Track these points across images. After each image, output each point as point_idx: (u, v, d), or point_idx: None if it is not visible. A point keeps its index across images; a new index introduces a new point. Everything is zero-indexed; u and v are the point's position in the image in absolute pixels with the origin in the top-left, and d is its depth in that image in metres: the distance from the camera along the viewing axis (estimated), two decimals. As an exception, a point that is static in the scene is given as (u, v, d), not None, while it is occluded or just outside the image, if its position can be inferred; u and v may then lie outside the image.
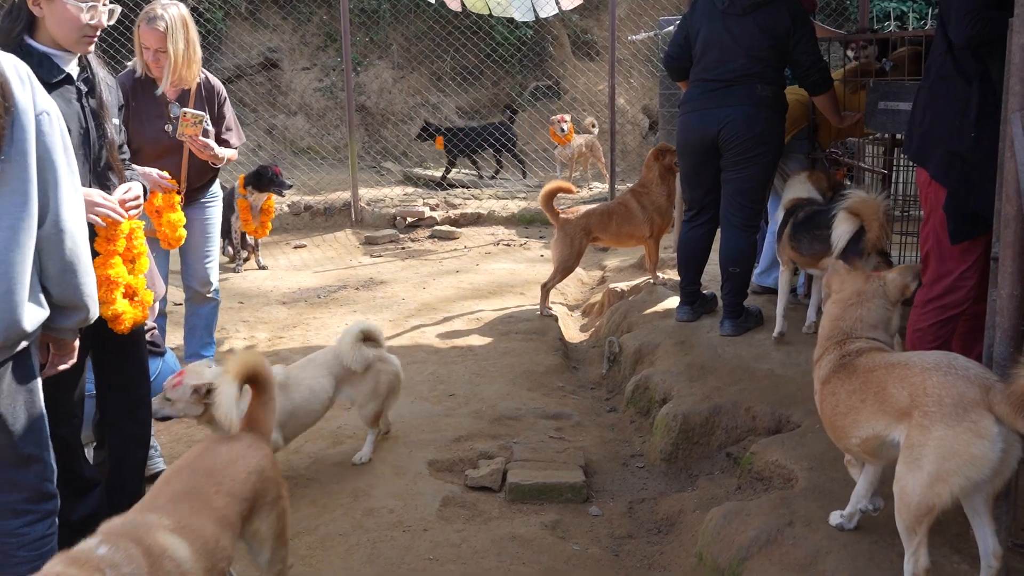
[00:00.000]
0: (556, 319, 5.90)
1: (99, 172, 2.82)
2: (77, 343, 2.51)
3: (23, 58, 2.41)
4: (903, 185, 5.44)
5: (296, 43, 13.38)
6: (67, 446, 2.82)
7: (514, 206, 9.38)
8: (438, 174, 10.78)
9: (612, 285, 6.23)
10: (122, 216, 2.76)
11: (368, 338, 3.83)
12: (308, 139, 12.57)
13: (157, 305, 4.08)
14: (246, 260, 7.50)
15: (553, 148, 10.67)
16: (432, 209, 9.26)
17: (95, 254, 2.65)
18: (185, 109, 4.35)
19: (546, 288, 5.95)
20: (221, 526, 2.30)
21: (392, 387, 3.96)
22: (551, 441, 4.10)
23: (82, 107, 2.74)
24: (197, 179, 4.58)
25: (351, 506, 3.51)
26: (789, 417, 3.80)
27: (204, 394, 3.24)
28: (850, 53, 5.44)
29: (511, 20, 9.20)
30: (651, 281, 5.93)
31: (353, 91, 9.59)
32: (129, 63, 4.44)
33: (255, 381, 2.79)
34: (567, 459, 3.89)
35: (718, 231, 4.79)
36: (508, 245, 8.30)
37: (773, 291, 5.00)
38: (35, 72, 2.41)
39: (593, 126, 10.50)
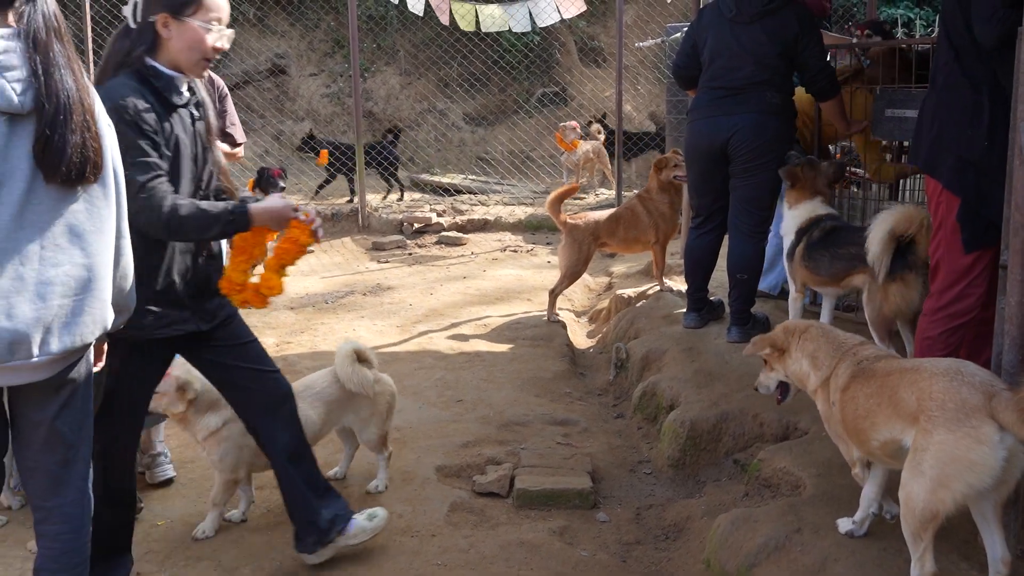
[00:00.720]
0: (563, 325, 5.91)
1: (205, 196, 2.84)
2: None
3: (149, 78, 2.59)
4: (910, 193, 5.45)
5: (304, 49, 13.44)
6: None
7: (521, 212, 9.40)
8: (446, 180, 10.80)
9: (619, 291, 6.25)
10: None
11: (361, 358, 3.64)
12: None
13: None
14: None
15: (560, 154, 10.69)
16: (439, 215, 9.28)
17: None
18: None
19: (554, 294, 5.96)
20: None
21: (390, 407, 3.77)
22: (558, 447, 4.11)
23: (195, 130, 2.77)
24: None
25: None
26: (796, 424, 3.80)
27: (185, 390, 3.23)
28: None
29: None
30: (658, 287, 5.94)
31: (361, 97, 9.63)
32: None
33: None
34: (574, 465, 3.89)
35: (725, 238, 4.80)
36: (515, 251, 8.32)
37: (767, 295, 5.02)
38: (160, 93, 2.61)
39: (599, 132, 10.52)
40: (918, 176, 4.96)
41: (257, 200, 2.88)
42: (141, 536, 3.36)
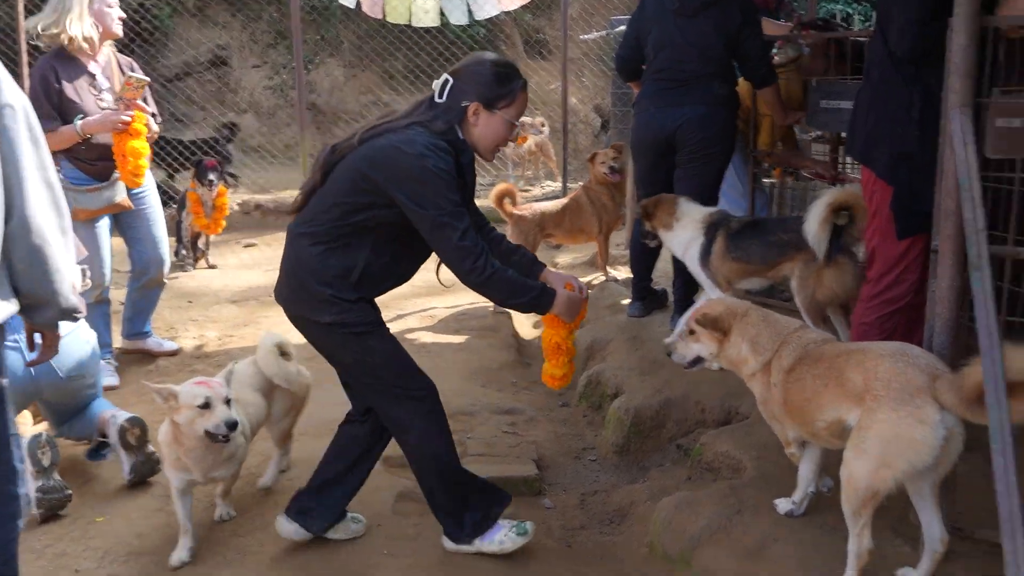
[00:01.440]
0: (509, 316, 5.92)
1: None
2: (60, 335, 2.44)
3: (453, 146, 2.80)
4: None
5: (245, 40, 13.26)
6: None
7: (467, 204, 9.41)
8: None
9: (564, 282, 6.27)
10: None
11: (282, 351, 3.59)
12: (258, 137, 12.45)
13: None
14: (197, 260, 7.41)
15: (505, 146, 10.68)
16: (384, 207, 9.23)
17: None
18: (131, 73, 4.52)
19: (499, 285, 5.96)
20: None
21: (304, 402, 3.76)
22: (504, 436, 4.13)
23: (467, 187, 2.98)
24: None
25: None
26: (737, 408, 3.87)
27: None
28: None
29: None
30: (603, 278, 5.99)
31: (304, 89, 9.53)
32: (41, 43, 4.52)
33: None
34: (520, 453, 3.92)
35: None
36: (461, 243, 8.31)
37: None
38: (458, 159, 2.81)
39: (543, 125, 10.55)
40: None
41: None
42: (79, 533, 3.31)
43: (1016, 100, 2.62)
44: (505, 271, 2.83)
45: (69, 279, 2.29)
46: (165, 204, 8.46)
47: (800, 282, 3.92)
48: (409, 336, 5.54)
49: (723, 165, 4.59)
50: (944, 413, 2.31)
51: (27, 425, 3.82)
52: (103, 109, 4.49)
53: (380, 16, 8.38)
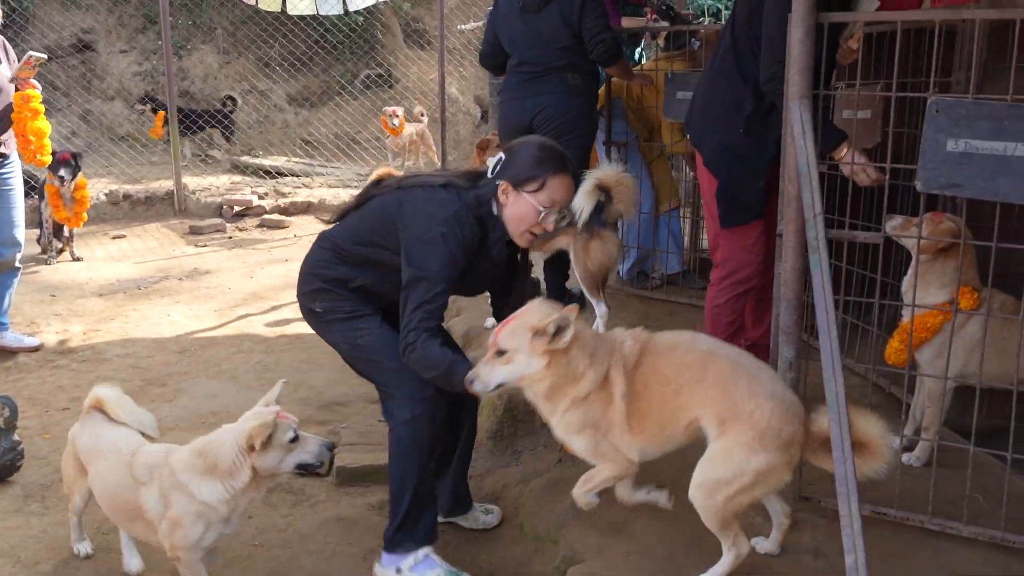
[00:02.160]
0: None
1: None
2: None
3: (484, 220, 2.83)
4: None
5: (112, 25, 12.76)
6: None
7: (346, 194, 9.31)
8: (268, 162, 10.55)
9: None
10: None
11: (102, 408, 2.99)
12: (127, 125, 12.02)
13: None
14: (60, 252, 7.11)
15: (385, 137, 10.64)
16: (261, 198, 9.07)
17: None
18: (32, 52, 4.49)
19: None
20: None
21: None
22: (379, 425, 4.12)
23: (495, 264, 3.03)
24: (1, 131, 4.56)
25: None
26: (607, 392, 3.98)
27: None
28: (660, 43, 5.74)
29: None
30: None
31: (175, 76, 9.25)
32: None
33: None
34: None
35: None
36: (339, 233, 8.24)
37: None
38: (485, 235, 2.84)
39: (423, 115, 10.53)
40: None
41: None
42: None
43: (853, 93, 2.78)
44: (428, 344, 2.70)
45: None
46: (27, 194, 8.14)
47: (575, 255, 4.27)
48: (283, 328, 5.47)
49: (585, 150, 4.79)
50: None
51: None
52: None
53: (253, 2, 8.23)
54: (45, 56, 4.55)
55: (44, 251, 7.02)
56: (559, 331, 2.39)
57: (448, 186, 2.86)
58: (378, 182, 3.03)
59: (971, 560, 2.57)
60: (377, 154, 11.02)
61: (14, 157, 4.72)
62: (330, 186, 9.80)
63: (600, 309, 4.45)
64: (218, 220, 8.52)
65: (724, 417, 2.36)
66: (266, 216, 8.65)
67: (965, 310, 2.87)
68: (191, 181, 9.47)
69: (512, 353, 2.45)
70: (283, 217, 8.63)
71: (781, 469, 2.34)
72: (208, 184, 9.56)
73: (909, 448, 3.14)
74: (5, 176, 4.68)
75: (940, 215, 2.98)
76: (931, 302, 2.94)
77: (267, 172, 10.25)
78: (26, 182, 7.88)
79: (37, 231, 7.08)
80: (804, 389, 2.80)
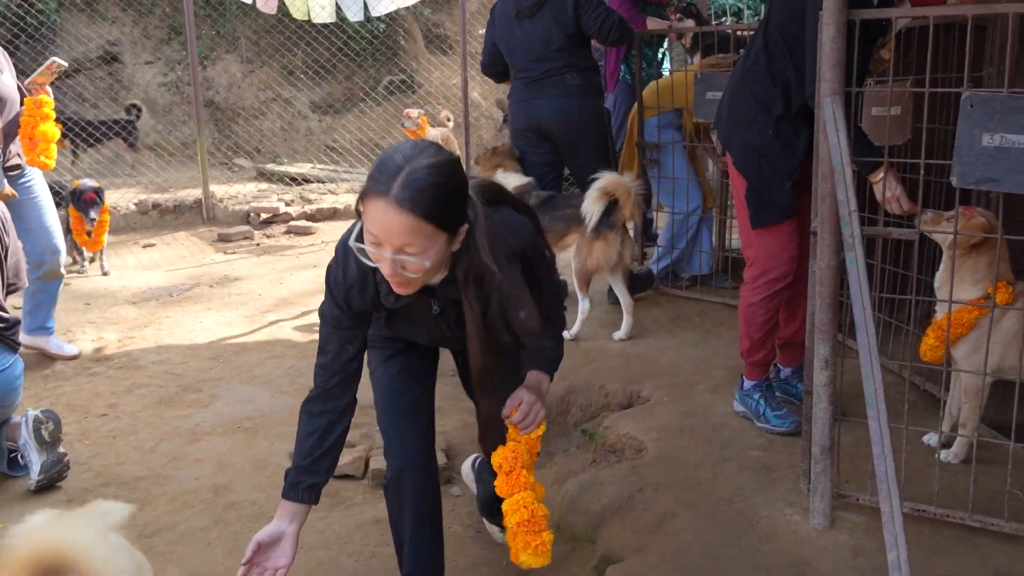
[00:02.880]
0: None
1: None
2: None
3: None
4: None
5: (138, 36, 12.89)
6: None
7: (371, 200, 9.37)
8: (293, 169, 10.62)
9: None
10: None
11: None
12: (154, 135, 12.14)
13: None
14: (91, 261, 7.20)
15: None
16: (287, 205, 9.13)
17: None
18: (55, 58, 4.57)
19: (405, 279, 5.99)
20: None
21: None
22: (413, 427, 4.15)
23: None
24: (9, 141, 4.62)
25: (212, 501, 3.48)
26: (640, 392, 3.99)
27: None
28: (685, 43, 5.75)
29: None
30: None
31: (201, 86, 9.35)
32: None
33: None
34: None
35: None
36: (366, 239, 8.28)
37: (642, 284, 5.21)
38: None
39: (448, 120, 10.57)
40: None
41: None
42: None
43: (886, 90, 2.78)
44: (302, 417, 2.38)
45: None
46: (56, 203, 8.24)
47: (576, 251, 4.56)
48: (314, 333, 5.51)
49: (601, 150, 4.87)
50: None
51: None
52: None
53: (273, 11, 8.31)
54: (66, 64, 4.62)
55: (74, 261, 7.10)
56: None
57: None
58: None
59: (1014, 556, 2.56)
60: (401, 159, 11.05)
61: (31, 169, 4.77)
62: (355, 192, 9.84)
63: (584, 304, 4.57)
64: (246, 227, 8.59)
65: None
66: (293, 223, 8.71)
67: (1001, 305, 2.86)
68: (218, 189, 9.56)
69: None
70: (310, 223, 8.70)
71: None
72: (235, 192, 9.65)
73: (947, 445, 3.13)
74: (27, 185, 4.73)
75: (971, 210, 2.97)
76: (964, 298, 2.93)
77: (292, 179, 10.33)
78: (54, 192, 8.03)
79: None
80: (840, 387, 2.81)
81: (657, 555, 2.73)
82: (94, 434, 4.11)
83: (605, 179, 4.38)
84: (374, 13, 8.60)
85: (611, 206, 4.42)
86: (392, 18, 12.13)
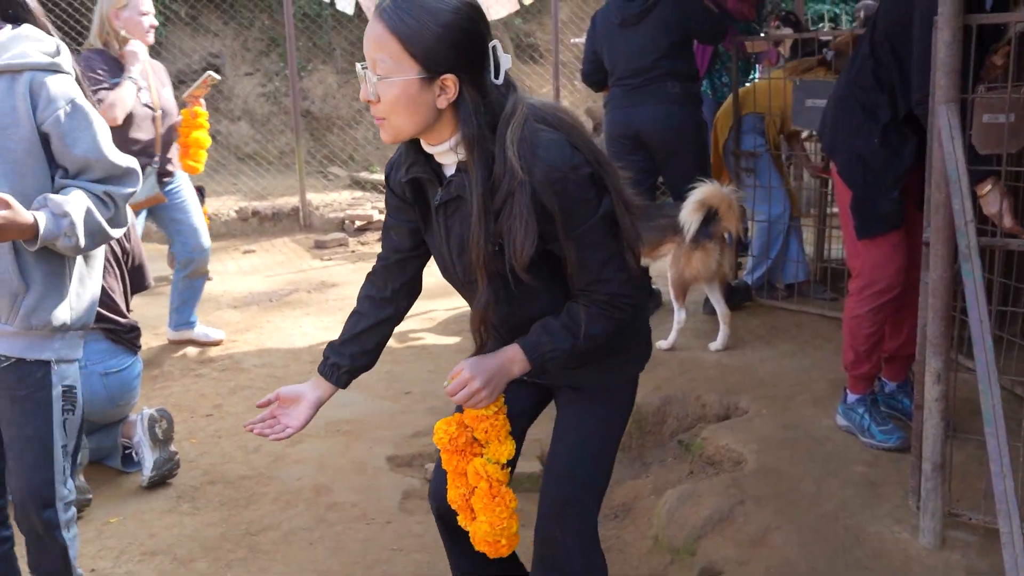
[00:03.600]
0: (508, 317, 5.99)
1: None
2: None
3: None
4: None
5: (238, 48, 13.30)
6: None
7: (462, 208, 9.46)
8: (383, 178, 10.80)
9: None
10: None
11: None
12: (253, 144, 12.50)
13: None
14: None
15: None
16: (380, 212, 9.29)
17: None
18: (210, 72, 5.00)
19: (498, 287, 6.03)
20: None
21: None
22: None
23: None
24: (167, 150, 4.90)
25: (314, 501, 3.57)
26: (737, 404, 3.94)
27: None
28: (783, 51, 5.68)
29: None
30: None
31: (299, 96, 9.59)
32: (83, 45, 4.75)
33: None
34: (524, 451, 3.97)
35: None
36: (458, 246, 8.36)
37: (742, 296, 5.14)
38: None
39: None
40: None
41: None
42: (94, 534, 3.36)
43: (1000, 96, 2.69)
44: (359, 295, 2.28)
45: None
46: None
47: (673, 260, 4.52)
48: (410, 338, 5.60)
49: (698, 159, 4.85)
50: None
51: None
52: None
53: (351, 12, 8.44)
54: (219, 77, 4.90)
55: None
56: None
57: None
58: None
59: None
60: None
61: (179, 173, 5.07)
62: (446, 200, 9.96)
63: (680, 315, 4.53)
64: (341, 234, 8.77)
65: None
66: (386, 230, 8.85)
67: None
68: (314, 197, 9.79)
69: None
70: (403, 231, 8.82)
71: None
72: (331, 200, 9.86)
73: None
74: (175, 189, 5.01)
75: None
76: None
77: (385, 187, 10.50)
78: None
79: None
80: (953, 402, 2.73)
81: (761, 569, 2.70)
82: (200, 433, 4.25)
83: (705, 190, 4.34)
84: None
85: (709, 216, 4.38)
86: (484, 28, 12.23)
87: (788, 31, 5.68)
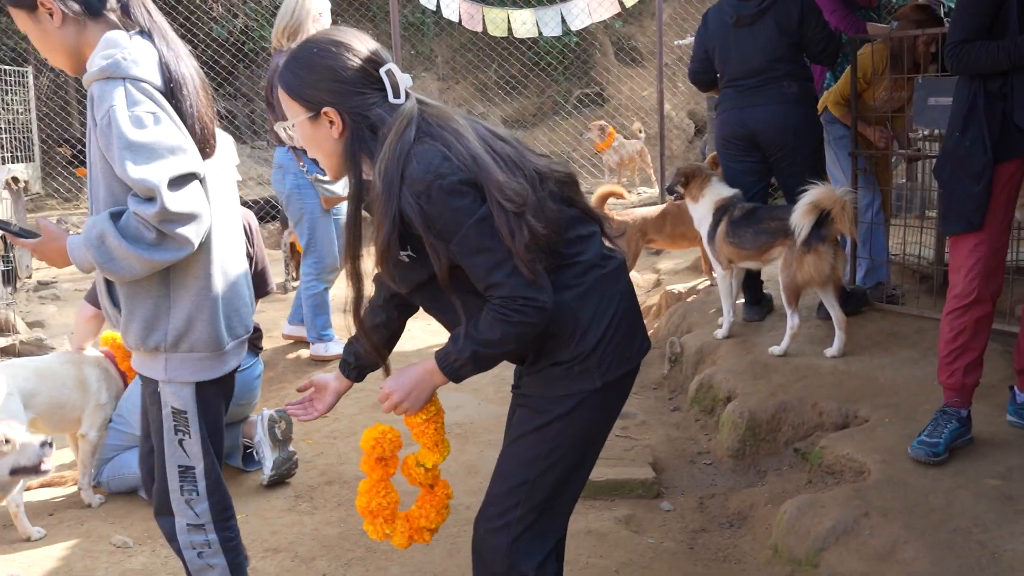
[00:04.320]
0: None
1: None
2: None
3: None
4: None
5: (343, 57, 13.60)
6: None
7: (564, 212, 9.45)
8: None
9: (669, 287, 6.28)
10: None
11: None
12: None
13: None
14: (296, 279, 7.56)
15: (598, 155, 10.75)
16: (483, 217, 9.36)
17: None
18: None
19: (603, 291, 6.00)
20: None
21: None
22: (618, 439, 4.16)
23: None
24: None
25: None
26: (856, 412, 3.82)
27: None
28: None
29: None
30: (707, 283, 5.97)
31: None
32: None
33: None
34: (635, 456, 3.95)
35: None
36: (560, 250, 8.35)
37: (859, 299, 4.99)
38: None
39: (640, 131, 10.55)
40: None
41: None
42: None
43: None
44: None
45: None
46: (272, 218, 8.79)
47: (784, 264, 4.41)
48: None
49: (814, 159, 4.75)
50: None
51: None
52: None
53: (479, 29, 8.57)
54: None
55: (292, 276, 7.49)
56: None
57: None
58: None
59: None
60: (595, 171, 11.12)
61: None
62: (548, 204, 9.97)
63: (793, 320, 4.42)
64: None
65: None
66: (490, 235, 8.90)
67: None
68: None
69: None
70: (505, 235, 8.85)
71: None
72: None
73: None
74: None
75: None
76: None
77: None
78: (274, 207, 8.55)
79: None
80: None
81: (889, 584, 2.61)
82: (316, 434, 4.35)
83: (817, 191, 4.23)
84: (572, 27, 8.71)
85: (822, 218, 4.27)
86: (585, 32, 12.22)
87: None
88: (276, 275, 6.82)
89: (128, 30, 2.25)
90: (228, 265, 2.38)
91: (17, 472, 3.02)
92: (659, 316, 6.09)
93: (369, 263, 2.04)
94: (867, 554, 2.79)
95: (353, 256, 2.04)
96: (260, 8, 12.83)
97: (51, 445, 3.07)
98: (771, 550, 3.15)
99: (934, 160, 4.79)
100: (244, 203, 5.14)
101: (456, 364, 2.03)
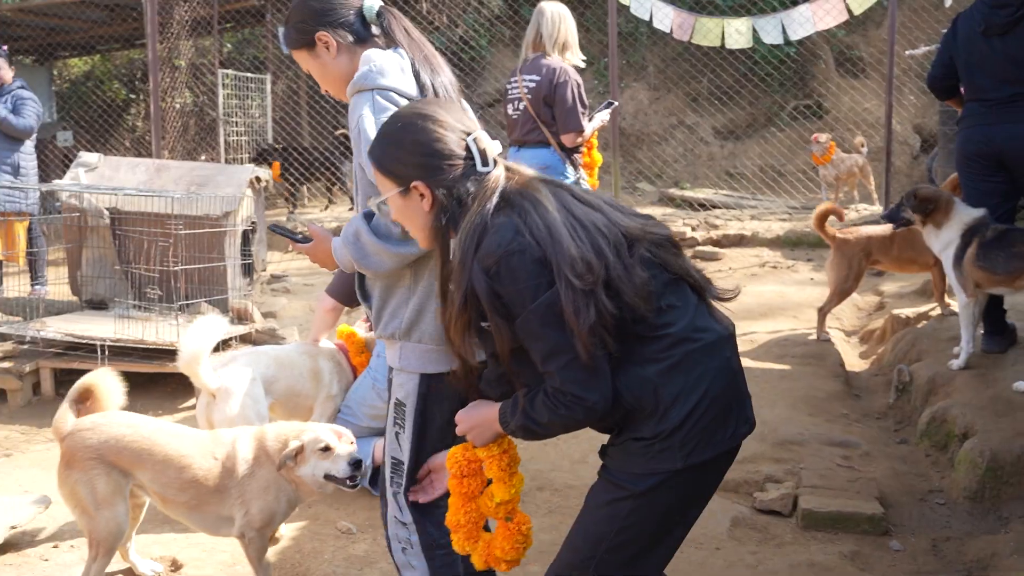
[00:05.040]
0: (833, 344, 5.69)
1: None
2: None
3: None
4: None
5: (556, 67, 13.78)
6: None
7: (778, 227, 9.13)
8: (694, 195, 10.71)
9: (895, 311, 5.93)
10: None
11: None
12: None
13: None
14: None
15: (814, 169, 10.33)
16: (693, 230, 9.20)
17: None
18: (612, 101, 5.91)
19: (823, 311, 5.75)
20: None
21: None
22: (840, 469, 3.96)
23: None
24: None
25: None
26: (1122, 461, 3.46)
27: None
28: None
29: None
30: (939, 310, 5.58)
31: (617, 112, 9.74)
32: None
33: None
34: (860, 489, 3.74)
35: None
36: (775, 267, 8.08)
37: None
38: None
39: (862, 146, 10.05)
40: None
41: None
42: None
43: None
44: None
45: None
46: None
47: None
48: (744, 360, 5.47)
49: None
50: None
51: None
52: None
53: (687, 39, 8.44)
54: (616, 103, 5.37)
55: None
56: None
57: None
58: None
59: None
60: (810, 186, 10.70)
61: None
62: (759, 219, 9.68)
63: None
64: (651, 250, 8.78)
65: None
66: (699, 248, 8.75)
67: None
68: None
69: None
70: (716, 249, 8.67)
71: None
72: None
73: None
74: None
75: None
76: None
77: (695, 204, 10.40)
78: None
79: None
80: None
81: None
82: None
83: None
84: (793, 37, 8.43)
85: None
86: (802, 42, 11.79)
87: None
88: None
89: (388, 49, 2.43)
90: None
91: (330, 479, 3.02)
92: (883, 341, 5.76)
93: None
94: None
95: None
96: (480, 18, 13.21)
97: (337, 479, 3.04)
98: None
99: None
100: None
101: (510, 427, 2.04)
